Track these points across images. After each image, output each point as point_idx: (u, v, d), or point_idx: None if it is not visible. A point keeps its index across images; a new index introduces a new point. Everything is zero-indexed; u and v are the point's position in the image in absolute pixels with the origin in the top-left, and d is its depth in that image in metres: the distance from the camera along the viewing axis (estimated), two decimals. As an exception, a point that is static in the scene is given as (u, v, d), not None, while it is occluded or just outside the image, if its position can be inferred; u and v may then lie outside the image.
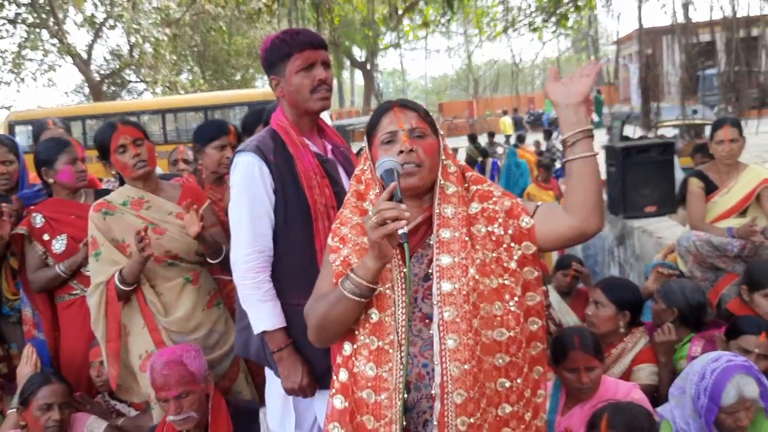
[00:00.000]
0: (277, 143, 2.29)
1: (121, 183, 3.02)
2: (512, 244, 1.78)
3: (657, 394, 3.00)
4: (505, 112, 26.14)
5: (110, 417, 3.16)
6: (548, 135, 15.47)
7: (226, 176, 3.19)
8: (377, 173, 1.76)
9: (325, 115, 2.54)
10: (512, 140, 19.19)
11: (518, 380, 1.76)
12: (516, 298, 1.75)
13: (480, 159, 13.33)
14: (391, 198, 1.61)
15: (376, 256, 1.64)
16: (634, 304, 3.21)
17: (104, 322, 2.83)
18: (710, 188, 4.09)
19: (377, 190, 1.82)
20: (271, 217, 2.27)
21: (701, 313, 3.30)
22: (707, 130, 4.49)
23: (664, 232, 5.14)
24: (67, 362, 3.30)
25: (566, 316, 4.13)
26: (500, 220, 1.79)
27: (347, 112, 32.04)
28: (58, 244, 3.24)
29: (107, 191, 3.29)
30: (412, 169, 1.76)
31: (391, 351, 1.73)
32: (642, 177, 5.64)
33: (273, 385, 2.42)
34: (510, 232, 1.78)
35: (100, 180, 4.00)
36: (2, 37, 21.07)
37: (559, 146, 14.85)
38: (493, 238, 1.77)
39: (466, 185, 1.85)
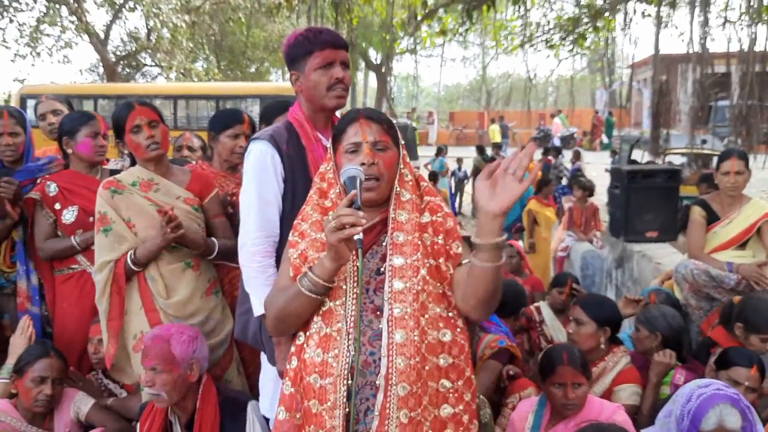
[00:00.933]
0: (291, 135, 2.36)
1: (132, 163, 3.05)
2: (448, 262, 1.91)
3: (637, 415, 3.01)
4: (492, 121, 26.30)
5: (101, 395, 3.18)
6: (557, 153, 15.45)
7: (239, 165, 3.21)
8: (341, 180, 1.89)
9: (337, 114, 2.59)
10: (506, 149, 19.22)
11: (459, 382, 1.86)
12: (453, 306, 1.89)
13: (485, 169, 13.39)
14: (350, 205, 1.73)
15: (333, 257, 1.77)
16: (613, 321, 3.26)
17: (108, 300, 2.84)
18: (712, 218, 4.09)
19: (338, 190, 1.95)
20: (280, 203, 2.33)
21: (682, 336, 3.42)
22: (715, 161, 4.49)
23: (663, 258, 5.16)
24: (58, 335, 3.30)
25: (558, 333, 4.14)
26: (443, 235, 1.92)
27: (358, 113, 31.91)
28: (69, 215, 3.24)
29: (117, 171, 3.31)
30: (371, 185, 1.87)
31: (338, 338, 1.83)
32: (645, 202, 5.68)
33: (267, 370, 2.46)
34: (447, 247, 1.91)
35: (107, 160, 4.02)
36: (21, 10, 21.10)
37: (567, 165, 14.81)
38: (437, 248, 1.90)
39: (420, 193, 1.97)
